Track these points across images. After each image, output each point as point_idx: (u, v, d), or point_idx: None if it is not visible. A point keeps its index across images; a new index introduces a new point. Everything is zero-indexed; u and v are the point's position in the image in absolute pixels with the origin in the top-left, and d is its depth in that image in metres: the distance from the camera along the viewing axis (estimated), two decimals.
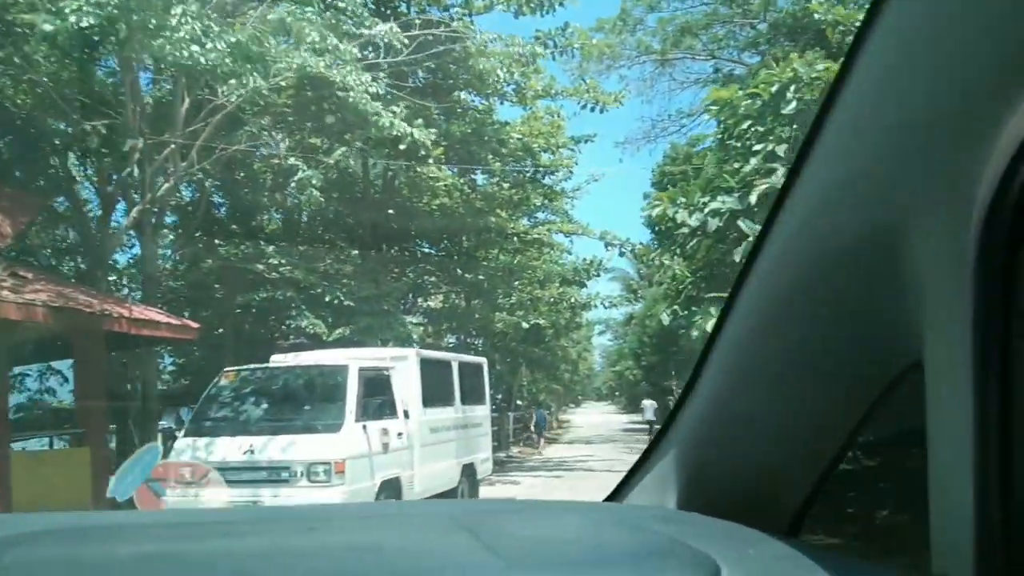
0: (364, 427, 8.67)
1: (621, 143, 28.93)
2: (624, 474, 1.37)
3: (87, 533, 1.03)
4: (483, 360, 13.76)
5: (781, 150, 9.86)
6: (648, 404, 31.79)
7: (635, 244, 20.51)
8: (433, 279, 19.97)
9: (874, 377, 0.89)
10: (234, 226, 17.28)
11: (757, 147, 10.15)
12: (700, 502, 1.13)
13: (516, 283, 20.25)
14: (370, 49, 14.45)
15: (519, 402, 30.74)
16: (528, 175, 18.73)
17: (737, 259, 9.91)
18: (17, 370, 14.39)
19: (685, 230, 10.89)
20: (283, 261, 15.24)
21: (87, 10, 9.60)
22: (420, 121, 13.79)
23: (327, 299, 15.35)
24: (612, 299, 24.86)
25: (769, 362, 1.02)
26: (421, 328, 19.05)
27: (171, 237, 16.81)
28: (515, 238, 19.59)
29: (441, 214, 18.14)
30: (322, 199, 15.30)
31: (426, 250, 20.37)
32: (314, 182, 14.18)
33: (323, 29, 12.07)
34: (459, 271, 19.39)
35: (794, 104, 9.88)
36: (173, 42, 10.13)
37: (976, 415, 0.65)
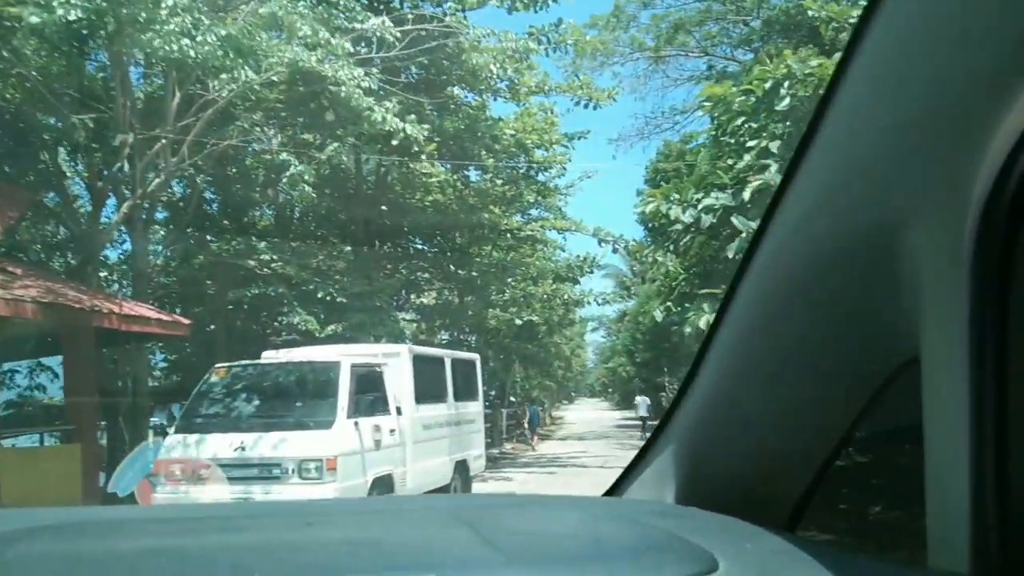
0: (356, 424, 8.62)
1: (614, 140, 28.92)
2: (621, 470, 1.37)
3: (86, 528, 1.03)
4: (476, 356, 13.73)
5: (775, 146, 9.84)
6: (641, 400, 31.86)
7: (628, 241, 20.53)
8: (426, 275, 19.92)
9: (871, 373, 0.89)
10: (226, 222, 17.19)
11: (751, 143, 10.13)
12: (698, 497, 1.13)
13: (509, 279, 20.21)
14: (363, 44, 14.37)
15: (512, 398, 30.73)
16: (521, 171, 18.67)
17: (731, 255, 9.90)
18: (7, 366, 14.32)
19: (679, 226, 10.87)
20: (275, 257, 15.17)
21: (75, 3, 9.51)
22: (413, 117, 13.73)
23: (319, 295, 15.29)
24: (605, 296, 24.78)
25: (767, 358, 1.02)
26: (414, 324, 19.00)
27: (162, 233, 16.72)
28: (508, 234, 19.54)
29: (434, 210, 18.08)
30: (314, 195, 15.23)
31: (419, 246, 20.31)
32: (306, 178, 14.11)
33: (315, 23, 12.00)
34: (452, 267, 19.34)
35: (788, 100, 9.86)
36: (163, 35, 10.04)
37: (972, 410, 0.65)
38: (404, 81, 15.69)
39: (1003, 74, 0.61)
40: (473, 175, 19.05)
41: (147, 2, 10.01)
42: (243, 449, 8.27)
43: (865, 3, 0.75)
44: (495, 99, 17.61)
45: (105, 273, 15.39)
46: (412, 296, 20.67)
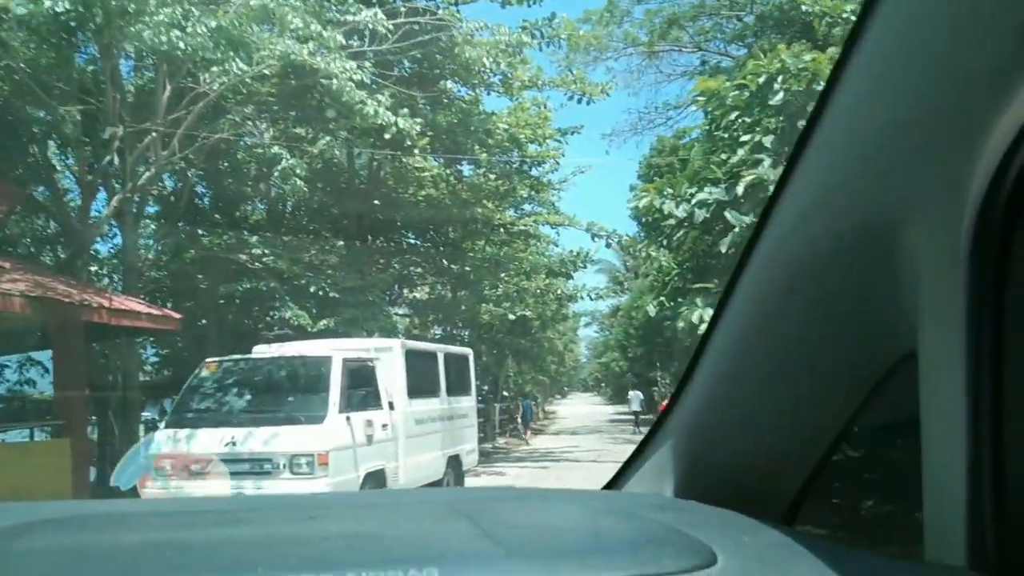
0: (348, 418, 8.57)
1: (608, 135, 28.95)
2: (614, 464, 1.38)
3: (89, 522, 1.04)
4: (469, 351, 13.69)
5: (768, 141, 9.85)
6: (634, 395, 31.96)
7: (621, 236, 20.50)
8: (419, 270, 19.87)
9: (868, 369, 0.90)
10: (217, 216, 17.09)
11: (744, 138, 10.15)
12: (697, 491, 1.14)
13: (502, 274, 20.18)
14: (355, 37, 14.29)
15: (505, 393, 30.74)
16: (515, 166, 18.63)
17: (724, 250, 9.92)
18: None
19: (672, 221, 10.88)
20: (266, 251, 15.08)
21: None
22: (405, 111, 13.65)
23: (312, 290, 15.22)
24: (598, 291, 24.82)
25: (764, 354, 1.04)
26: (407, 319, 18.97)
27: (153, 227, 16.61)
28: (501, 229, 19.49)
29: (427, 205, 18.01)
30: (306, 189, 15.15)
31: (412, 241, 20.24)
32: (298, 171, 14.03)
33: (306, 16, 11.92)
34: (445, 262, 19.29)
35: (781, 95, 9.88)
36: (152, 26, 9.95)
37: (969, 406, 0.66)
38: (397, 75, 15.62)
39: (1000, 73, 0.61)
40: (466, 170, 19.01)
41: None
42: (234, 444, 8.21)
43: (862, 2, 0.76)
44: (488, 93, 17.59)
45: (95, 267, 15.28)
46: (405, 291, 20.62)
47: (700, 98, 11.64)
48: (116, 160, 13.00)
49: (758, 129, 10.13)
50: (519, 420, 28.51)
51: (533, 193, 19.91)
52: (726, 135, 10.69)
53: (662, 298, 12.75)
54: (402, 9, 14.83)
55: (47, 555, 0.83)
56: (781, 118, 10.01)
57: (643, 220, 18.36)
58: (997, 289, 0.66)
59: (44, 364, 13.99)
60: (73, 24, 10.18)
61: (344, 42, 13.09)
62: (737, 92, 10.61)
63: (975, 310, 0.65)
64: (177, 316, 12.95)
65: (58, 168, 14.87)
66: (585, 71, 19.26)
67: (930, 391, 0.73)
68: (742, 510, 0.97)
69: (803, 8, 13.28)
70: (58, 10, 9.43)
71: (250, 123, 15.35)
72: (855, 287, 0.85)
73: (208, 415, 8.84)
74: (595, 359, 72.43)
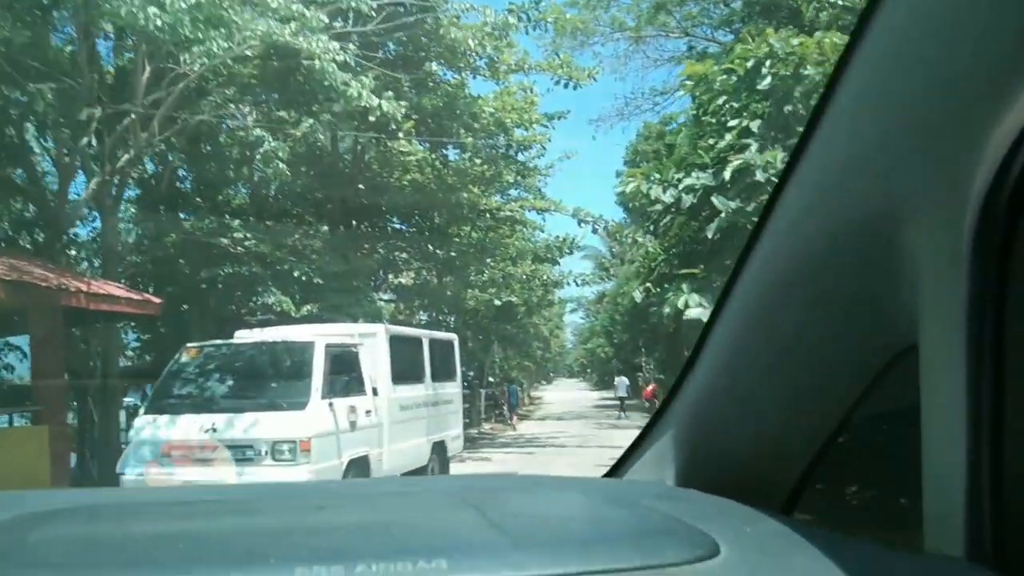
0: (331, 404, 8.48)
1: (594, 121, 28.83)
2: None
3: (102, 512, 1.05)
4: (454, 337, 13.62)
5: (755, 126, 9.79)
6: (620, 381, 32.13)
7: (608, 221, 20.47)
8: (404, 255, 19.73)
9: (869, 360, 0.91)
10: (199, 200, 16.87)
11: (732, 123, 10.08)
12: (697, 479, 1.16)
13: (488, 260, 20.10)
14: (339, 18, 14.07)
15: (491, 379, 30.74)
16: (501, 151, 18.50)
17: (710, 235, 9.87)
18: None
19: (659, 207, 10.82)
20: (249, 236, 14.88)
21: None
22: (390, 93, 13.48)
23: (295, 275, 15.07)
24: (584, 277, 24.87)
25: (766, 344, 1.05)
26: (392, 305, 18.85)
27: (133, 210, 16.37)
28: (487, 215, 19.39)
29: (412, 190, 17.85)
30: (288, 172, 14.96)
31: (397, 226, 20.10)
32: (280, 154, 13.84)
33: None
34: (430, 247, 19.17)
35: (769, 80, 9.80)
36: (129, 2, 9.72)
37: (969, 399, 0.67)
38: (381, 57, 15.43)
39: (1002, 72, 0.62)
40: (452, 154, 18.87)
41: None
42: (214, 430, 8.11)
43: (866, 2, 0.76)
44: (474, 77, 17.41)
45: (74, 251, 15.05)
46: (390, 276, 20.49)
47: (688, 82, 11.55)
48: (93, 142, 12.77)
49: (746, 114, 10.06)
50: (504, 406, 28.53)
51: (519, 178, 19.80)
52: (713, 120, 10.61)
53: (648, 284, 12.70)
54: None
55: (62, 545, 0.84)
56: (768, 103, 9.94)
57: (629, 206, 18.29)
58: (999, 286, 0.66)
59: (23, 349, 13.79)
60: (47, 2, 9.93)
61: (327, 22, 12.87)
62: (725, 76, 10.52)
63: (977, 306, 0.66)
64: (157, 301, 12.79)
65: (36, 151, 14.60)
66: (572, 56, 19.11)
67: (931, 384, 0.73)
68: (741, 499, 0.98)
69: None
70: None
71: (232, 106, 15.10)
72: (856, 282, 0.86)
73: (189, 401, 8.73)
74: (581, 345, 72.66)
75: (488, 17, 15.19)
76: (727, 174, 9.46)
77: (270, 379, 8.92)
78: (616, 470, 1.39)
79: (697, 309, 9.75)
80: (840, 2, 12.68)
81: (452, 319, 22.13)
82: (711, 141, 10.35)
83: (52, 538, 0.85)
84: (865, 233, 0.80)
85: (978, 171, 0.64)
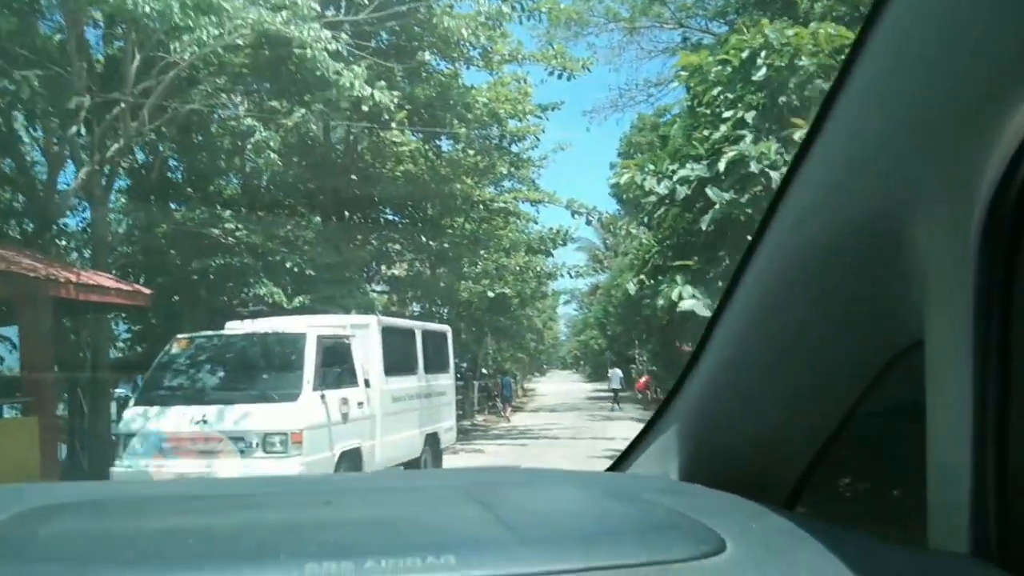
0: (323, 396, 8.42)
1: (588, 112, 28.79)
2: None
3: (110, 506, 1.06)
4: (447, 328, 13.57)
5: (750, 117, 9.73)
6: (614, 373, 32.20)
7: (602, 213, 20.40)
8: (397, 247, 19.63)
9: (874, 356, 0.91)
10: (190, 190, 16.74)
11: (727, 114, 10.01)
12: (701, 474, 1.16)
13: (482, 251, 20.01)
14: (331, 7, 13.95)
15: (484, 371, 30.72)
16: (494, 142, 18.40)
17: (704, 227, 9.82)
18: None
19: (653, 198, 10.75)
20: (240, 226, 14.78)
21: None
22: (383, 83, 13.37)
23: (287, 266, 14.97)
24: (578, 268, 24.76)
25: (771, 339, 1.05)
26: (385, 297, 18.78)
27: (123, 201, 16.24)
28: (481, 206, 19.31)
29: (405, 180, 17.74)
30: (280, 162, 14.84)
31: (390, 217, 20.00)
32: (271, 144, 13.72)
33: None
34: (424, 239, 19.08)
35: (764, 71, 9.73)
36: None
37: (975, 396, 0.67)
38: (373, 46, 15.29)
39: (1009, 72, 0.62)
40: (445, 145, 18.76)
41: None
42: (205, 422, 8.05)
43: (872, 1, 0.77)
44: (468, 68, 17.30)
45: (64, 241, 14.92)
46: (383, 268, 20.41)
47: (682, 73, 11.46)
48: (83, 131, 12.64)
49: (740, 105, 9.99)
50: (498, 398, 28.53)
51: (513, 169, 19.70)
52: (708, 111, 10.53)
53: (642, 276, 12.64)
54: None
55: (73, 539, 0.84)
56: (763, 94, 9.88)
57: (623, 197, 18.22)
58: (1005, 285, 0.67)
59: (12, 340, 13.68)
60: None
61: (319, 11, 12.75)
62: (720, 67, 10.44)
63: (983, 305, 0.66)
64: (147, 291, 12.69)
65: (24, 140, 14.45)
66: (566, 46, 18.99)
67: (936, 382, 0.74)
68: (744, 494, 0.99)
69: None
70: None
71: (223, 95, 14.98)
72: (861, 278, 0.86)
73: (179, 393, 8.66)
74: (574, 337, 72.73)
75: (482, 6, 15.08)
76: (721, 165, 9.41)
77: (261, 371, 8.86)
78: (619, 464, 1.40)
79: (691, 301, 9.71)
80: None
81: (445, 311, 22.07)
82: (705, 132, 10.28)
83: (62, 532, 0.85)
84: (871, 231, 0.80)
85: (985, 170, 0.64)
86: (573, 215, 19.05)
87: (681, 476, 1.21)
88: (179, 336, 9.47)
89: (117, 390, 14.12)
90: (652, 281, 11.95)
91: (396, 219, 19.99)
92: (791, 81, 9.55)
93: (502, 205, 19.93)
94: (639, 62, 34.01)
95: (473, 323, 24.27)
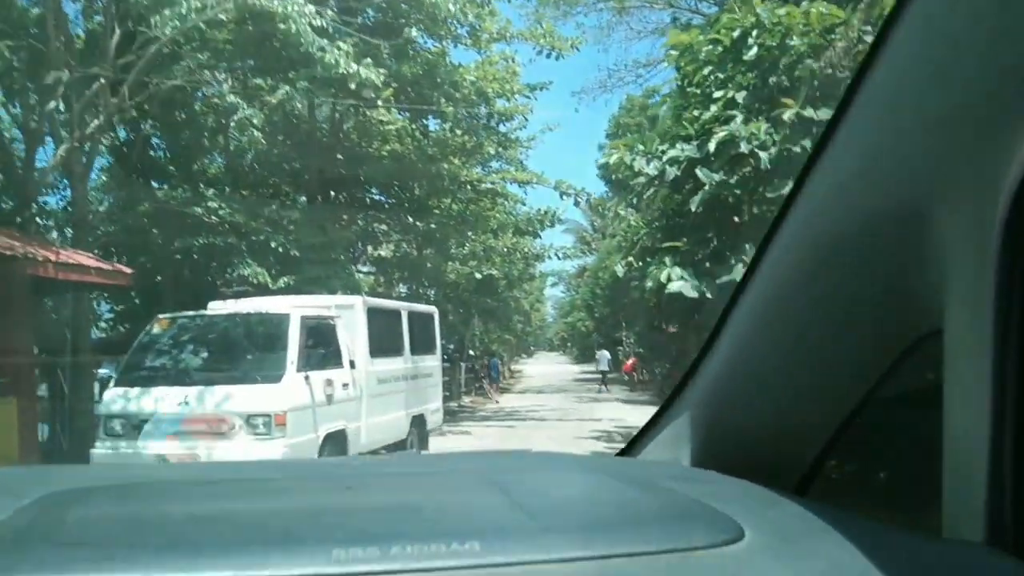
0: (307, 377, 8.32)
1: (577, 92, 28.56)
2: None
3: (138, 490, 1.06)
4: (434, 309, 13.48)
5: (741, 97, 9.64)
6: (601, 355, 32.28)
7: (590, 195, 20.28)
8: (383, 227, 19.46)
9: (891, 343, 0.91)
10: (172, 168, 16.48)
11: (717, 94, 9.91)
12: (713, 460, 1.17)
13: (469, 232, 19.88)
14: None
15: (472, 352, 30.69)
16: (482, 122, 18.21)
17: (693, 208, 9.75)
18: None
19: (642, 179, 10.67)
20: (223, 205, 14.56)
21: None
22: (369, 60, 13.16)
23: (272, 246, 14.79)
24: (566, 250, 24.73)
25: (787, 326, 1.06)
26: (371, 278, 18.64)
27: (104, 179, 15.98)
28: (468, 186, 19.15)
29: (391, 160, 17.54)
30: (264, 141, 14.62)
31: (376, 197, 19.80)
32: (255, 122, 13.50)
33: None
34: (410, 219, 18.90)
35: (755, 50, 9.63)
36: None
37: (994, 387, 0.67)
38: (359, 23, 15.03)
39: None
40: (432, 124, 18.55)
41: None
42: (187, 404, 7.93)
43: None
44: (455, 46, 17.05)
45: (43, 220, 14.65)
46: (369, 248, 20.25)
47: (672, 52, 11.33)
48: (61, 106, 12.38)
49: (731, 85, 9.89)
50: (485, 380, 28.53)
51: (500, 150, 19.53)
52: (698, 91, 10.43)
53: (630, 258, 12.58)
54: None
55: (100, 524, 0.84)
56: (754, 74, 9.78)
57: (612, 178, 18.13)
58: None
59: None
60: None
61: None
62: (711, 47, 10.33)
63: (1004, 295, 0.67)
64: (128, 271, 12.51)
65: (1, 115, 14.17)
66: (555, 26, 18.77)
67: (955, 370, 0.74)
68: (756, 480, 0.99)
69: None
70: None
71: (206, 72, 14.69)
72: (881, 266, 0.87)
73: (160, 374, 8.53)
74: (561, 319, 72.88)
75: None
76: (711, 146, 9.32)
77: (244, 351, 8.74)
78: (630, 449, 1.41)
79: (679, 283, 9.65)
80: None
81: (432, 292, 21.96)
82: (695, 112, 10.18)
83: (90, 517, 0.86)
84: (893, 219, 0.81)
85: (1011, 163, 0.64)
86: (561, 196, 18.94)
87: (693, 462, 1.23)
88: (160, 316, 9.32)
89: (100, 370, 13.93)
90: (640, 263, 11.90)
91: (382, 199, 19.81)
92: (782, 61, 9.45)
93: (490, 186, 19.78)
94: (628, 42, 33.84)
95: (460, 304, 24.20)
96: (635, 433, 1.44)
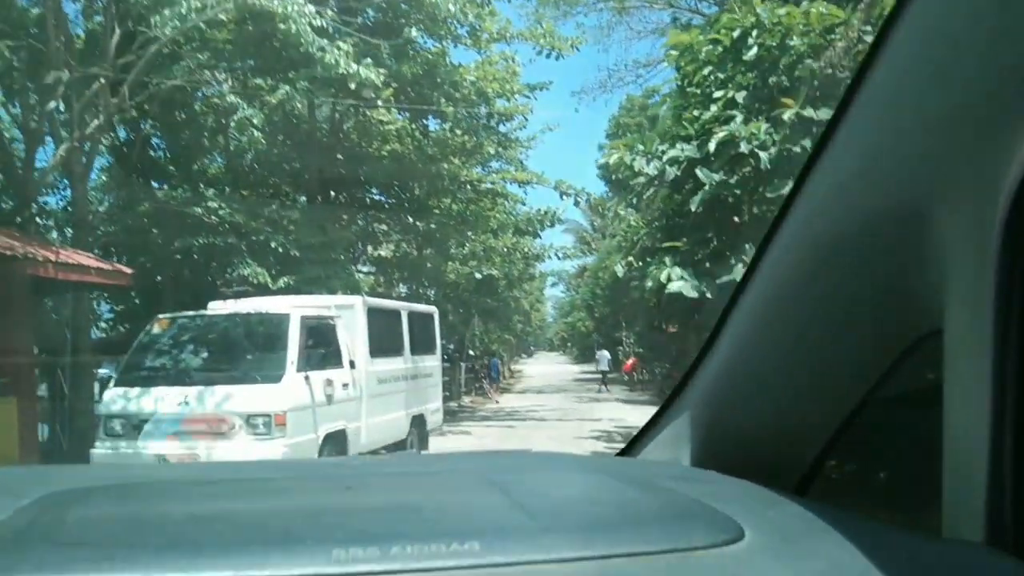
0: (307, 378, 8.32)
1: (577, 92, 28.58)
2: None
3: (137, 490, 1.06)
4: (433, 309, 13.47)
5: (741, 97, 9.63)
6: (601, 355, 32.28)
7: (590, 195, 20.27)
8: (383, 227, 19.45)
9: (891, 343, 0.91)
10: (172, 168, 16.48)
11: (717, 94, 9.90)
12: (713, 460, 1.17)
13: (469, 232, 19.87)
14: None
15: (471, 352, 30.68)
16: (482, 122, 18.21)
17: (693, 208, 9.74)
18: None
19: (642, 179, 10.66)
20: (223, 205, 14.56)
21: None
22: (369, 60, 13.16)
23: (272, 246, 14.78)
24: (566, 250, 24.73)
25: (788, 326, 1.06)
26: (371, 278, 18.63)
27: (104, 179, 15.97)
28: (468, 186, 19.14)
29: (391, 160, 17.53)
30: (264, 141, 14.62)
31: (376, 197, 19.79)
32: (255, 122, 13.49)
33: None
34: (411, 219, 18.90)
35: (755, 50, 9.62)
36: None
37: (994, 387, 0.68)
38: (359, 23, 15.04)
39: None
40: (432, 124, 18.55)
41: None
42: (187, 404, 7.93)
43: None
44: (455, 46, 17.04)
45: (43, 220, 14.66)
46: (369, 248, 20.24)
47: (672, 52, 11.32)
48: (61, 106, 12.38)
49: (731, 85, 9.88)
50: (485, 380, 28.52)
51: (500, 150, 19.52)
52: (698, 91, 10.42)
53: (630, 258, 12.59)
54: None
55: (101, 524, 0.84)
56: (754, 74, 9.78)
57: (612, 178, 18.11)
58: None
59: None
60: None
61: None
62: (711, 47, 10.32)
63: (1004, 296, 0.67)
64: (128, 271, 12.50)
65: (1, 116, 14.17)
66: (555, 26, 18.76)
67: (955, 370, 0.74)
68: (756, 480, 0.99)
69: None
70: None
71: (206, 72, 14.70)
72: (882, 265, 0.87)
73: (160, 374, 8.53)
74: (561, 319, 72.87)
75: None
76: (711, 146, 9.31)
77: (244, 351, 8.74)
78: (629, 449, 1.42)
79: (679, 283, 9.65)
80: None
81: (432, 292, 21.96)
82: (696, 113, 10.18)
83: (90, 517, 0.86)
84: (893, 219, 0.81)
85: (1011, 164, 0.65)
86: (561, 196, 18.94)
87: (693, 462, 1.22)
88: (160, 316, 9.32)
89: (101, 370, 13.94)
90: (640, 263, 11.90)
91: (382, 199, 19.80)
92: (782, 61, 9.45)
93: (490, 186, 19.77)
94: (628, 42, 33.84)
95: (460, 304, 24.19)
96: (635, 433, 1.44)
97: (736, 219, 10.07)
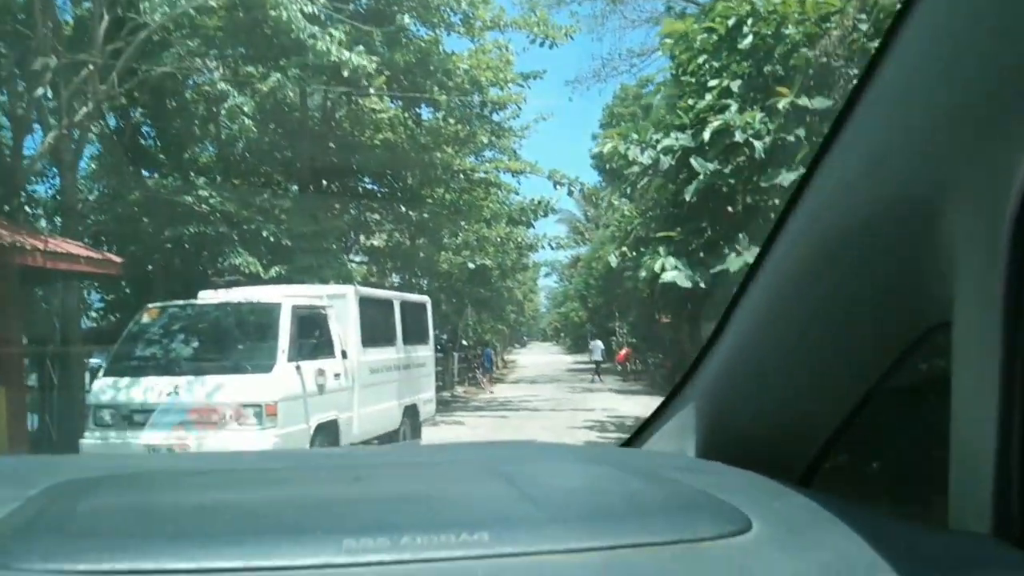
0: (298, 367, 8.26)
1: (571, 82, 28.45)
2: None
3: (147, 480, 1.07)
4: (426, 299, 13.42)
5: (736, 86, 9.58)
6: (595, 345, 32.37)
7: (584, 184, 20.20)
8: (376, 217, 19.37)
9: (899, 335, 0.91)
10: (163, 156, 16.35)
11: (712, 83, 9.85)
12: (718, 451, 1.18)
13: (462, 222, 19.80)
14: None
15: (464, 342, 30.66)
16: (475, 111, 18.11)
17: (687, 198, 9.70)
18: None
19: (636, 168, 10.62)
20: (214, 194, 14.44)
21: None
22: (361, 48, 13.04)
23: (263, 235, 14.69)
24: (559, 240, 24.66)
25: (795, 317, 1.06)
26: (364, 267, 18.56)
27: (94, 167, 15.83)
28: (461, 176, 19.06)
29: (384, 149, 17.43)
30: (255, 129, 14.50)
31: (368, 186, 19.70)
32: (246, 110, 13.37)
33: None
34: (403, 209, 18.83)
35: (750, 39, 9.57)
36: None
37: (1002, 380, 0.68)
38: (351, 10, 14.90)
39: None
40: (425, 113, 18.46)
41: None
42: (177, 393, 7.87)
43: None
44: (448, 34, 16.92)
45: (32, 208, 14.53)
46: (361, 238, 20.16)
47: (667, 40, 11.26)
48: (49, 93, 12.24)
49: (726, 74, 9.83)
50: (478, 370, 28.51)
51: (494, 139, 19.45)
52: (693, 80, 10.36)
53: (624, 248, 12.57)
54: None
55: (111, 514, 0.85)
56: (749, 63, 9.73)
57: (606, 167, 18.06)
58: None
59: None
60: None
61: None
62: (705, 35, 10.26)
63: (1013, 288, 0.67)
64: (118, 260, 12.41)
65: None
66: (548, 14, 18.64)
67: (963, 362, 0.74)
68: (760, 471, 1.00)
69: None
70: None
71: (196, 59, 14.55)
72: (890, 258, 0.87)
73: (150, 363, 8.47)
74: (555, 309, 72.95)
75: None
76: (706, 135, 9.26)
77: (235, 341, 8.68)
78: (634, 440, 1.43)
79: (673, 272, 9.62)
80: None
81: (425, 282, 21.89)
82: (690, 101, 10.12)
83: (100, 507, 0.86)
84: (902, 212, 0.81)
85: (1022, 158, 0.65)
86: (555, 186, 18.85)
87: (698, 453, 1.23)
88: (150, 305, 9.25)
89: (92, 360, 13.85)
90: (634, 253, 11.88)
91: (375, 188, 19.70)
92: (777, 50, 9.40)
93: (483, 175, 19.69)
94: (622, 31, 33.68)
95: (453, 294, 24.15)
96: (628, 423, 1.45)
97: (730, 208, 10.03)
